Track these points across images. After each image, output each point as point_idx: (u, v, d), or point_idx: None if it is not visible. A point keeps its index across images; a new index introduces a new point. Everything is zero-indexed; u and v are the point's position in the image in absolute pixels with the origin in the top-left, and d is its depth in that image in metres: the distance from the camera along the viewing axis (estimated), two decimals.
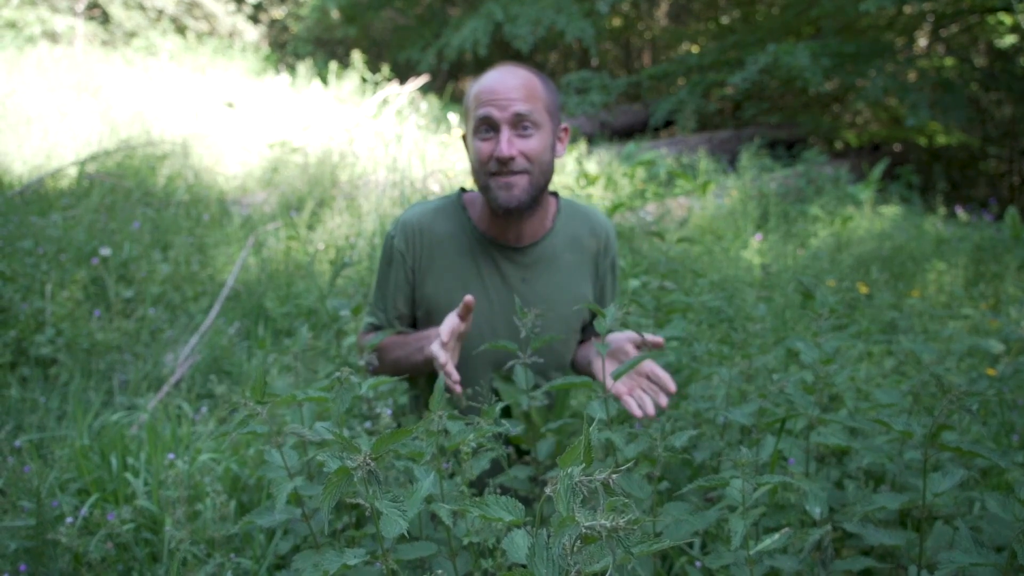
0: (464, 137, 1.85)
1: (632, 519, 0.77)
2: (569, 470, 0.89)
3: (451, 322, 1.59)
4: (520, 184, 1.73)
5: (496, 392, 1.80)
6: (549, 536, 0.90)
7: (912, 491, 1.64)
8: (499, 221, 1.82)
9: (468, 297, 1.60)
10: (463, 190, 1.93)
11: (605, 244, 1.96)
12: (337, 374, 1.46)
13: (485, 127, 1.72)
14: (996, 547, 1.63)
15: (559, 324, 1.89)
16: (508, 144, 1.69)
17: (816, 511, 1.51)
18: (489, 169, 1.73)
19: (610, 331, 1.53)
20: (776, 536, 1.41)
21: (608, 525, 0.77)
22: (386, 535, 1.07)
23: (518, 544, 1.13)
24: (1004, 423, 2.34)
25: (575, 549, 0.84)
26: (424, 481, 1.28)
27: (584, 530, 0.79)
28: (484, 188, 1.77)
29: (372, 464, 1.04)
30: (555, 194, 1.96)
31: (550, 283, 1.88)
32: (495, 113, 1.70)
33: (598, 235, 1.94)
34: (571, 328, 1.91)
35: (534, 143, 1.73)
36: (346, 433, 1.57)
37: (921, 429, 1.45)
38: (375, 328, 1.90)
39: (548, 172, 1.79)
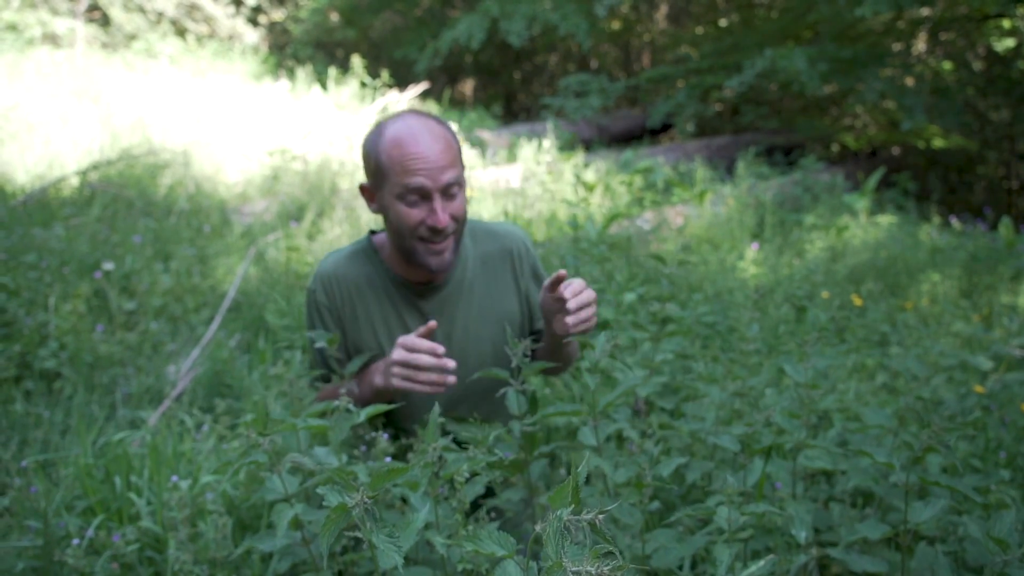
0: (367, 190, 1.81)
1: (616, 566, 0.81)
2: (558, 512, 0.94)
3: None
4: (448, 247, 1.76)
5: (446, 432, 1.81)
6: (540, 571, 0.95)
7: (898, 512, 1.69)
8: (414, 268, 1.84)
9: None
10: (372, 232, 1.94)
11: (519, 255, 1.96)
12: (336, 403, 1.51)
13: (415, 195, 1.70)
14: (979, 567, 1.68)
15: (489, 346, 1.91)
16: (443, 214, 1.70)
17: (801, 535, 1.55)
18: (419, 234, 1.73)
19: (598, 361, 1.57)
20: (761, 563, 1.45)
21: (593, 572, 0.81)
22: (383, 567, 1.12)
23: (510, 575, 1.18)
24: (990, 440, 2.39)
25: None
26: (420, 512, 1.33)
27: (572, 574, 0.84)
28: (410, 251, 1.76)
29: (369, 502, 1.08)
30: None
31: (470, 310, 1.90)
32: (428, 184, 1.69)
33: (508, 248, 1.95)
34: (502, 346, 1.93)
35: (459, 203, 1.74)
36: (344, 458, 1.62)
37: (902, 460, 1.49)
38: (326, 381, 1.91)
39: (465, 222, 1.82)
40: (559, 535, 0.92)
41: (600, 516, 0.98)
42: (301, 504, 1.49)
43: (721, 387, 2.02)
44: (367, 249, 1.90)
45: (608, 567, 0.82)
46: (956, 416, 2.24)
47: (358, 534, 1.15)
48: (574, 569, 0.84)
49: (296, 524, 1.54)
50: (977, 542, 1.62)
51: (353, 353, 1.88)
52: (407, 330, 1.86)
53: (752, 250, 4.65)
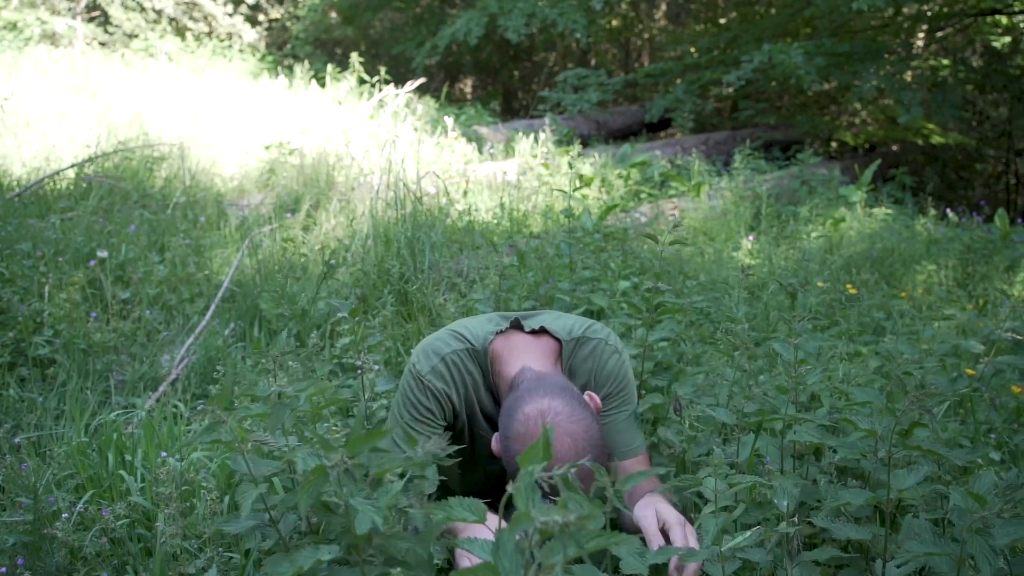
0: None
1: (583, 515, 0.81)
2: (529, 468, 0.95)
3: None
4: None
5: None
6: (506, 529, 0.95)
7: (885, 486, 1.69)
8: None
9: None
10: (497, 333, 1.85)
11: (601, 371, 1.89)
12: (274, 388, 1.45)
13: None
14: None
15: None
16: None
17: (784, 505, 1.56)
18: None
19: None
20: (748, 533, 1.46)
21: (560, 520, 0.82)
22: (359, 531, 1.11)
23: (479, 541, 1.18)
24: (980, 422, 2.39)
25: (534, 543, 0.89)
26: (397, 482, 1.33)
27: (539, 525, 0.84)
28: None
29: (350, 463, 1.09)
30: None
31: None
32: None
33: (596, 371, 1.89)
34: None
35: None
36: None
37: (887, 428, 1.50)
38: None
39: None
40: (529, 489, 0.93)
41: (572, 471, 0.99)
42: (270, 482, 1.46)
43: (735, 366, 2.02)
44: (482, 357, 1.83)
45: (575, 516, 0.82)
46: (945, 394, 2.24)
47: (334, 499, 1.15)
48: (542, 519, 0.84)
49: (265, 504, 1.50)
50: (964, 513, 1.62)
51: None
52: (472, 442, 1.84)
53: (748, 241, 4.65)
